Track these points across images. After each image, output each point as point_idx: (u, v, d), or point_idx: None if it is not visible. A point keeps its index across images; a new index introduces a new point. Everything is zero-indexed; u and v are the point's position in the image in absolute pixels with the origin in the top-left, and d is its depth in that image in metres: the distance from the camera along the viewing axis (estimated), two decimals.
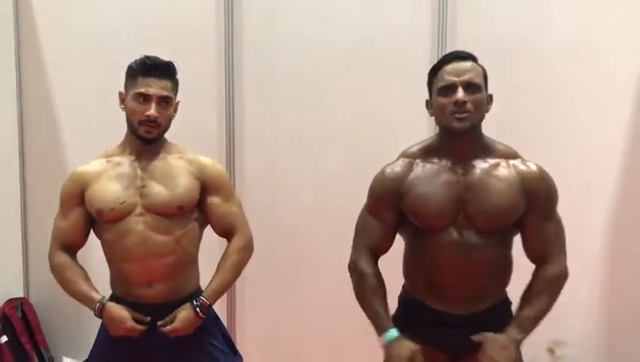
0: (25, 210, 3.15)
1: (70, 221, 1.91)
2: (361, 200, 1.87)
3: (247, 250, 1.97)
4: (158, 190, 1.85)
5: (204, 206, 1.93)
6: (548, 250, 1.78)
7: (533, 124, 2.59)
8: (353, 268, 1.84)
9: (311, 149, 2.81)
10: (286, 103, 2.82)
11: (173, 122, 1.92)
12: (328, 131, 2.80)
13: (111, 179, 1.87)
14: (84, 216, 1.91)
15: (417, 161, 1.82)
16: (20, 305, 3.08)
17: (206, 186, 1.92)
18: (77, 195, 1.90)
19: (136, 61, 1.86)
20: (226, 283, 1.94)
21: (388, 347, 1.71)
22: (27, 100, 3.10)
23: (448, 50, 2.59)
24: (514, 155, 1.81)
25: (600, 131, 2.60)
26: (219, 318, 2.03)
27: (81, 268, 1.94)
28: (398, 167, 1.82)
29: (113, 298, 1.93)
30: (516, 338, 1.71)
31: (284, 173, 2.85)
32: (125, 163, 1.90)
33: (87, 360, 2.03)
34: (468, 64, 1.74)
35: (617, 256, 2.66)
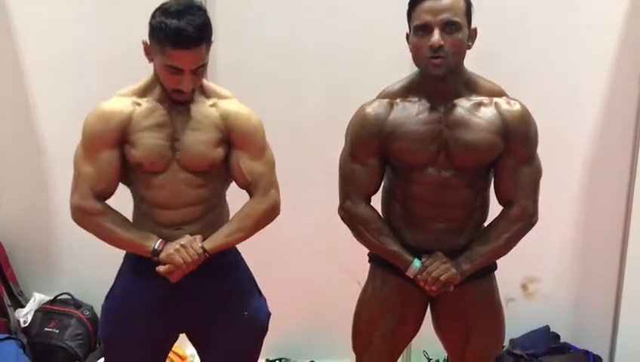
0: None
1: (99, 165, 1.72)
2: (339, 139, 1.82)
3: (270, 214, 1.86)
4: (190, 148, 1.73)
5: (228, 158, 1.80)
6: (516, 194, 1.75)
7: (514, 62, 2.54)
8: (351, 217, 1.80)
9: (286, 89, 2.72)
10: (259, 42, 2.70)
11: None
12: (303, 69, 2.71)
13: (150, 127, 1.73)
14: (117, 159, 1.73)
15: (397, 100, 1.75)
16: None
17: (232, 139, 1.78)
18: (109, 136, 1.71)
19: (164, 24, 1.58)
20: (231, 244, 1.83)
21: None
22: None
23: None
24: (499, 93, 1.75)
25: (578, 72, 2.57)
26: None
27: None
28: (377, 109, 1.75)
29: None
30: (462, 268, 1.73)
31: (259, 115, 2.76)
32: (159, 110, 1.74)
33: (107, 299, 1.91)
34: (447, 0, 1.63)
35: (591, 196, 2.68)
